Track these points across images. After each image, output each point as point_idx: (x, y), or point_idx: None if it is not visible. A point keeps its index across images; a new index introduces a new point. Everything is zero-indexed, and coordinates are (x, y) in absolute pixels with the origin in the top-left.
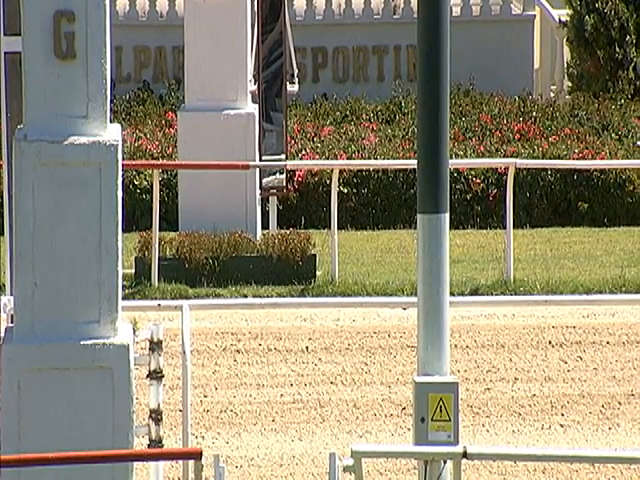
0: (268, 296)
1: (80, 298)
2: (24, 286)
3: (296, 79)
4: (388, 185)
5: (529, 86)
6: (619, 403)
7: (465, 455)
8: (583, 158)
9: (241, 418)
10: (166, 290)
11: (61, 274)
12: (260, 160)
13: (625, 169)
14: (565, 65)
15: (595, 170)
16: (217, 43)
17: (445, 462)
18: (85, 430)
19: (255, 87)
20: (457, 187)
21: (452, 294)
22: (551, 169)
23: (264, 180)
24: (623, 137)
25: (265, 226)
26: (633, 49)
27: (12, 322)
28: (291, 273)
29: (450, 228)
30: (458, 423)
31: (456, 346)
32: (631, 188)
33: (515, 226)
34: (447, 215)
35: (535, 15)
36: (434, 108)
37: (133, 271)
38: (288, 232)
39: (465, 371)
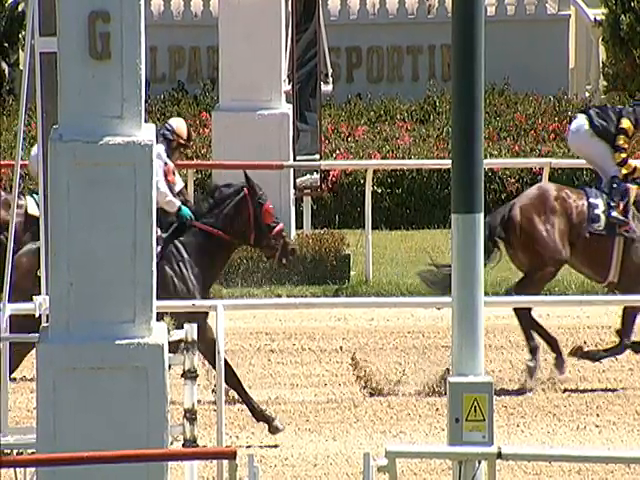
0: (302, 296)
1: (115, 298)
2: (59, 286)
3: (330, 79)
4: (422, 185)
5: (564, 86)
6: None
7: (500, 455)
8: None
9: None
10: None
11: (96, 274)
12: (294, 160)
13: None
14: (600, 64)
15: None
16: (251, 43)
17: (479, 462)
18: (120, 430)
19: (289, 87)
20: (492, 187)
21: (486, 294)
22: (586, 169)
23: (298, 180)
24: None
25: (299, 226)
26: None
27: (47, 322)
28: (325, 273)
29: None
30: (492, 423)
31: (490, 346)
32: None
33: None
34: (482, 215)
35: (570, 14)
36: (469, 108)
37: None
38: (322, 232)
39: (500, 371)
